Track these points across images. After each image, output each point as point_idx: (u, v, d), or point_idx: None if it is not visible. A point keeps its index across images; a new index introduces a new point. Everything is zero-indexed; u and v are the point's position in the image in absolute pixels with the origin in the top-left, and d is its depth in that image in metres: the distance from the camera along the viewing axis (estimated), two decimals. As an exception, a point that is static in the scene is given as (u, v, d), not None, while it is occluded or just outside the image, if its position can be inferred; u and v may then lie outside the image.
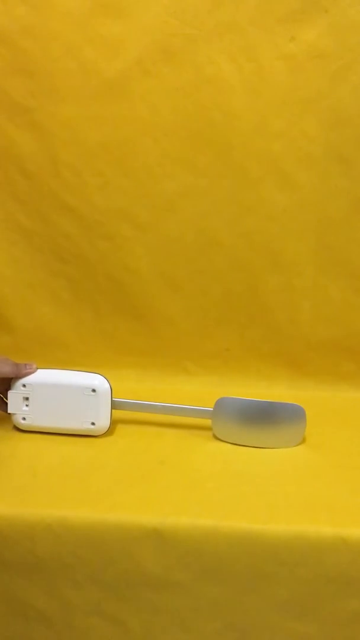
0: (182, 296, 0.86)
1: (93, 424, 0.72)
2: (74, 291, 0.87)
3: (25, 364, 0.73)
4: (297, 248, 0.82)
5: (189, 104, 0.78)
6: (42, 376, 0.73)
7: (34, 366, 0.74)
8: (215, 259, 0.84)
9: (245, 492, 0.63)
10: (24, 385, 0.73)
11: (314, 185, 0.79)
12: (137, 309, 0.87)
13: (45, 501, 0.61)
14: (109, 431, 0.74)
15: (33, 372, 0.73)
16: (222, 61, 0.76)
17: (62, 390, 0.72)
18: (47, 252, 0.86)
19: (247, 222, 0.82)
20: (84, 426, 0.72)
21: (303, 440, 0.72)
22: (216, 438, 0.73)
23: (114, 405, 0.73)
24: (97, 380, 0.72)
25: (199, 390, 0.85)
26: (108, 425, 0.73)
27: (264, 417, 0.71)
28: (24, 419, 0.73)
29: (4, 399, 0.74)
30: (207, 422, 0.73)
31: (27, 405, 0.73)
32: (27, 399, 0.73)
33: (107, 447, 0.72)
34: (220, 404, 0.72)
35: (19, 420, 0.73)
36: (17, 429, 0.74)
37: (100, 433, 0.73)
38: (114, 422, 0.74)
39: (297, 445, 0.72)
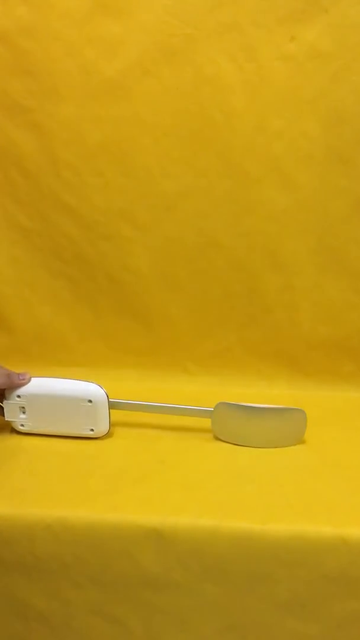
0: (182, 296, 0.86)
1: (92, 430, 0.72)
2: (74, 291, 0.87)
3: (19, 374, 0.71)
4: (297, 248, 0.82)
5: (189, 104, 0.78)
6: (36, 386, 0.71)
7: (27, 376, 0.71)
8: (215, 259, 0.84)
9: (245, 492, 0.63)
10: (18, 396, 0.71)
11: (314, 185, 0.79)
12: (137, 309, 0.87)
13: (45, 501, 0.61)
14: (109, 432, 0.74)
15: (26, 383, 0.71)
16: (222, 61, 0.76)
17: (58, 401, 0.71)
18: (47, 252, 0.86)
19: (247, 222, 0.82)
20: (83, 432, 0.72)
21: (303, 441, 0.72)
22: (216, 438, 0.73)
23: (113, 405, 0.72)
24: (92, 390, 0.71)
25: (199, 390, 0.85)
26: (107, 429, 0.73)
27: (264, 421, 0.71)
28: (22, 425, 0.73)
29: (1, 404, 0.73)
30: (207, 421, 0.73)
31: (24, 413, 0.72)
32: (23, 407, 0.72)
33: (107, 448, 0.72)
34: (220, 409, 0.72)
35: (17, 427, 0.73)
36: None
37: (100, 436, 0.73)
38: (113, 423, 0.74)
39: (297, 445, 0.72)
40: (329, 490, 0.63)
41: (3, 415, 0.73)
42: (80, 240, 0.85)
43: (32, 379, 0.72)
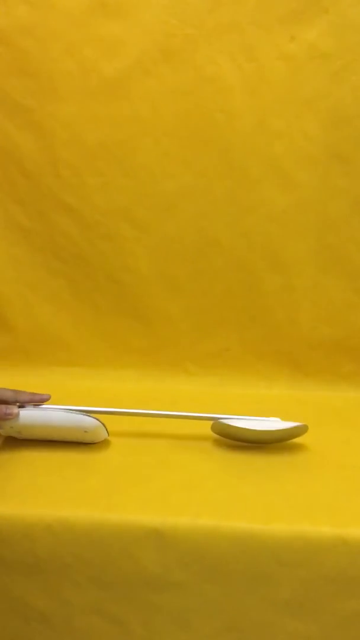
0: (182, 296, 0.86)
1: (91, 443, 0.71)
2: (74, 291, 0.87)
3: (6, 407, 0.67)
4: (297, 248, 0.82)
5: (189, 104, 0.78)
6: (27, 418, 0.68)
7: (15, 411, 0.67)
8: (215, 259, 0.84)
9: (245, 492, 0.63)
10: (11, 427, 0.68)
11: (314, 185, 0.79)
12: (137, 309, 0.87)
13: (45, 501, 0.61)
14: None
15: (13, 417, 0.67)
16: (222, 61, 0.76)
17: (52, 430, 0.69)
18: (47, 252, 0.86)
19: (246, 222, 0.82)
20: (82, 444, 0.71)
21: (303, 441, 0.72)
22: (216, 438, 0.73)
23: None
24: (87, 424, 0.68)
25: (199, 390, 0.85)
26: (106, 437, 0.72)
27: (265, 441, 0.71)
28: (19, 432, 0.71)
29: None
30: (207, 423, 0.73)
31: (19, 432, 0.70)
32: (19, 432, 0.70)
33: (107, 448, 0.72)
34: (218, 427, 0.71)
35: (16, 436, 0.72)
36: None
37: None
38: (113, 424, 0.73)
39: (297, 445, 0.72)
40: (329, 490, 0.63)
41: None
42: (80, 240, 0.85)
43: (21, 410, 0.68)
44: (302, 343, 0.86)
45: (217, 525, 0.58)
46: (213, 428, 0.72)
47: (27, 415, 0.68)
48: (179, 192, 0.82)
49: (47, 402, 0.70)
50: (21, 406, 0.69)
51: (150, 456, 0.70)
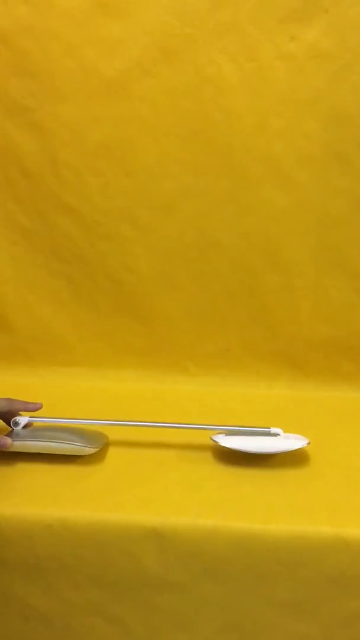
0: (182, 296, 0.86)
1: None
2: (74, 291, 0.87)
3: (2, 438, 0.66)
4: (297, 248, 0.82)
5: (189, 104, 0.78)
6: (21, 447, 0.67)
7: (9, 442, 0.66)
8: (215, 259, 0.84)
9: (245, 492, 0.63)
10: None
11: (314, 185, 0.79)
12: (137, 309, 0.87)
13: (45, 501, 0.61)
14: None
15: (7, 449, 0.66)
16: (222, 61, 0.76)
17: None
18: (47, 252, 0.86)
19: (246, 222, 0.82)
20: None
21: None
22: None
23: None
24: (86, 452, 0.67)
25: (199, 390, 0.85)
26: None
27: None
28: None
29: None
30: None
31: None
32: None
33: (107, 448, 0.72)
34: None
35: None
36: None
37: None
38: (112, 431, 0.73)
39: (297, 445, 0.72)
40: (329, 490, 0.63)
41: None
42: (80, 240, 0.85)
43: (16, 442, 0.67)
44: (302, 343, 0.86)
45: (217, 526, 0.58)
46: (212, 440, 0.72)
47: (20, 446, 0.67)
48: (179, 192, 0.82)
49: (50, 413, 0.70)
50: (16, 423, 0.68)
51: (150, 456, 0.70)
